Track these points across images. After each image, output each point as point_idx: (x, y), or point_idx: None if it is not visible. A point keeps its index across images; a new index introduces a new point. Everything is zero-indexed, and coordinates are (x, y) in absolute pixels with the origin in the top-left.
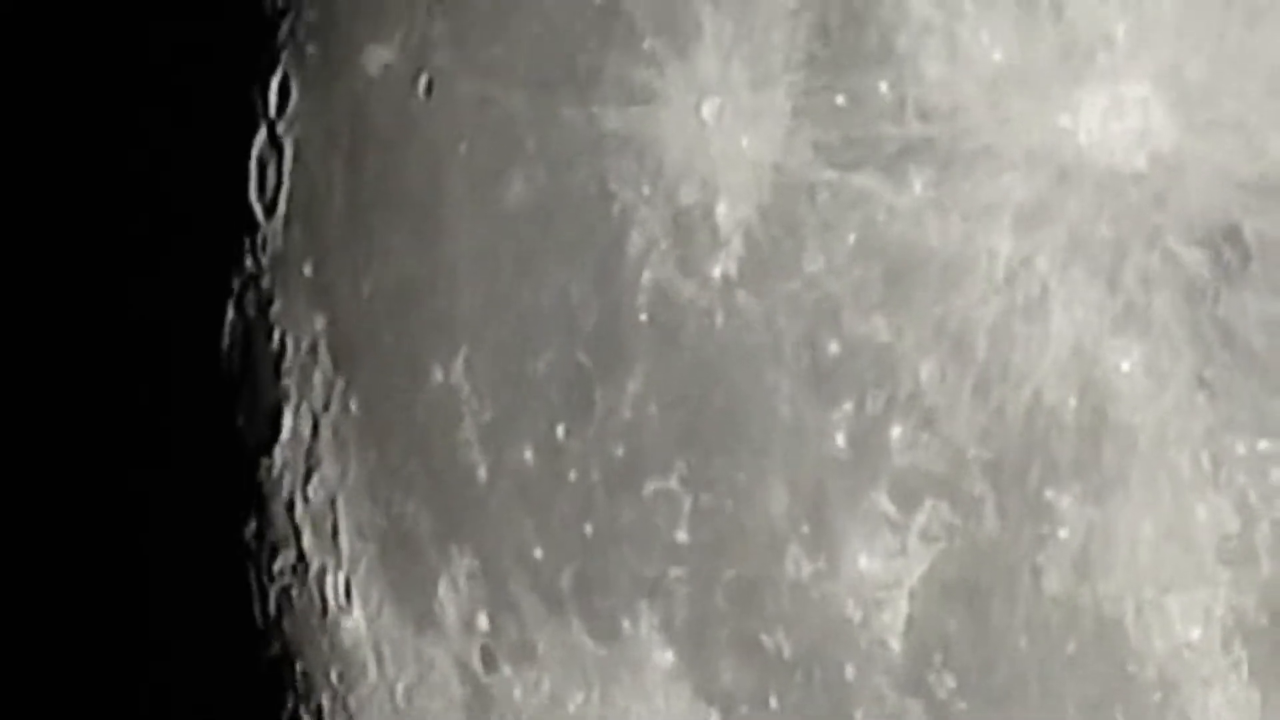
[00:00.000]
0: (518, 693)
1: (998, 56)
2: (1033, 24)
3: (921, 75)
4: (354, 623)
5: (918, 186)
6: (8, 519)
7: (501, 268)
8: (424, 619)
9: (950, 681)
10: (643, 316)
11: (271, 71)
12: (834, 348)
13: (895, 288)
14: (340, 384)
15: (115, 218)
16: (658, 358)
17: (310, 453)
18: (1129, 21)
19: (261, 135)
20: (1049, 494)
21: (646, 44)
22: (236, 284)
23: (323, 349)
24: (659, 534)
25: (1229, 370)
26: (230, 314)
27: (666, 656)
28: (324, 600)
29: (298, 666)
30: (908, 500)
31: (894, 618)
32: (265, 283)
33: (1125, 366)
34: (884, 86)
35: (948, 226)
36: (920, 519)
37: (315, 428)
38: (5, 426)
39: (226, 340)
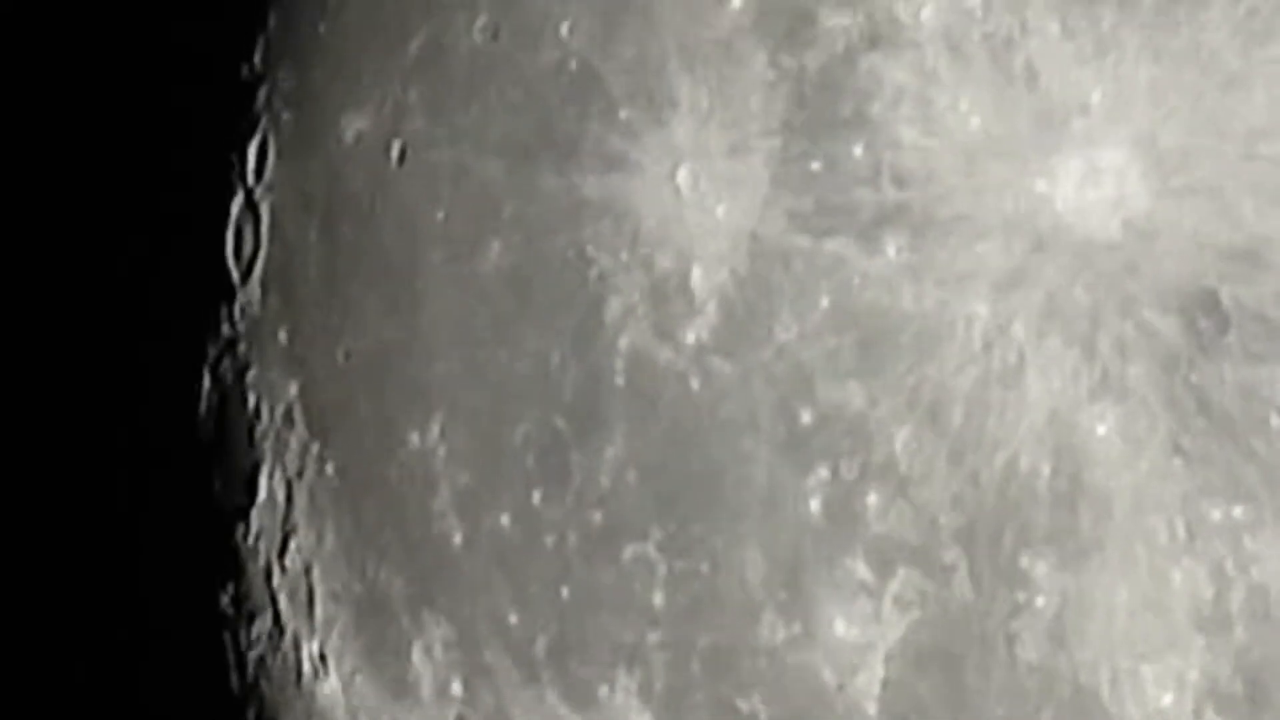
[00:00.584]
0: None
1: (974, 123)
2: (1009, 90)
3: (897, 142)
4: (330, 689)
5: (892, 253)
6: None
7: (478, 334)
8: (399, 686)
9: None
10: (620, 381)
11: (250, 137)
12: (808, 415)
13: (869, 355)
14: (315, 450)
15: (92, 282)
16: (635, 423)
17: (286, 519)
18: (1105, 88)
19: (239, 201)
20: (1024, 561)
21: (622, 113)
22: (213, 350)
23: (298, 414)
24: (636, 600)
25: (1204, 437)
26: (206, 380)
27: None
28: (300, 666)
29: None
30: (882, 567)
31: (869, 683)
32: (241, 348)
33: (1101, 433)
34: (859, 153)
35: (922, 293)
36: (894, 585)
37: (290, 494)
38: None
39: (203, 406)
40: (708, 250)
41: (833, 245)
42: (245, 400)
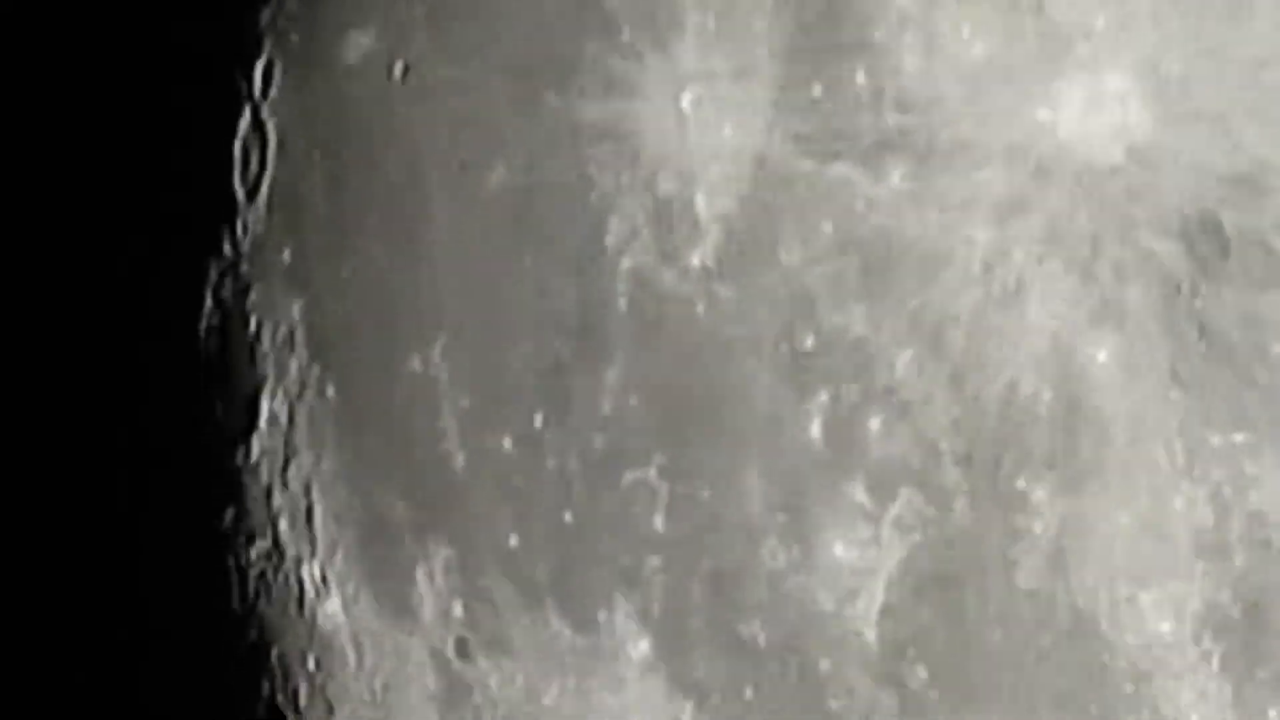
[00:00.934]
0: (493, 683)
1: (977, 49)
2: (1012, 16)
3: (900, 67)
4: (331, 611)
5: (896, 178)
6: None
7: (480, 255)
8: (400, 608)
9: (922, 672)
10: (622, 305)
11: (256, 56)
12: (811, 339)
13: (872, 279)
14: (317, 371)
15: (94, 203)
16: (637, 347)
17: (287, 441)
18: (1108, 13)
19: (245, 120)
20: (1022, 485)
21: (626, 34)
22: (215, 270)
23: (300, 336)
24: (637, 524)
25: (1204, 363)
26: (208, 300)
27: (643, 647)
28: (301, 588)
29: (275, 653)
30: (882, 491)
31: (868, 607)
32: (244, 269)
33: (1101, 358)
34: (862, 78)
35: (925, 218)
36: (894, 509)
37: (292, 415)
38: None
39: (204, 326)
40: (711, 174)
41: (836, 170)
42: (247, 321)
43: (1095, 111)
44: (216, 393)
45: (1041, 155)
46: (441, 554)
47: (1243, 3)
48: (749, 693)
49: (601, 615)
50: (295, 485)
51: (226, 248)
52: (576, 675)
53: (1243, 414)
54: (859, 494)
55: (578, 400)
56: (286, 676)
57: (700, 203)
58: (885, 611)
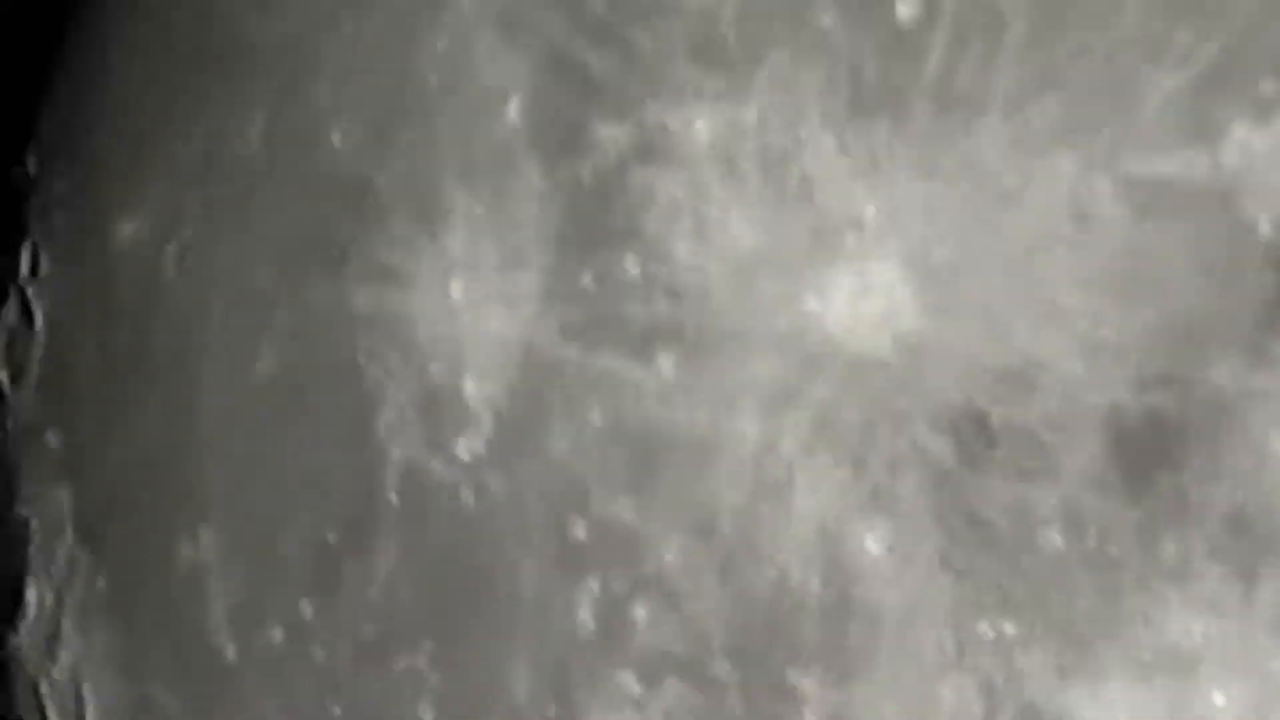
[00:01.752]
0: None
1: (746, 238)
2: (781, 206)
3: (669, 256)
4: None
5: (665, 367)
6: None
7: (251, 441)
8: None
9: None
10: (391, 495)
11: (21, 241)
12: (580, 528)
13: (642, 469)
14: (86, 558)
15: None
16: (406, 536)
17: (55, 630)
18: (878, 202)
19: (12, 304)
20: (792, 676)
21: (396, 223)
22: None
23: (68, 522)
24: (405, 713)
25: (974, 553)
26: None
27: None
28: None
29: None
30: (651, 680)
31: None
32: (10, 452)
33: (870, 548)
34: (631, 267)
35: (695, 408)
36: (663, 699)
37: (60, 602)
38: None
39: None
40: (481, 362)
41: (604, 359)
42: (12, 506)
43: (863, 302)
44: None
45: (810, 346)
46: None
47: (1013, 192)
48: None
49: None
50: (63, 674)
51: None
52: None
53: (1012, 603)
54: (628, 682)
55: (347, 588)
56: None
57: (470, 391)
58: None
